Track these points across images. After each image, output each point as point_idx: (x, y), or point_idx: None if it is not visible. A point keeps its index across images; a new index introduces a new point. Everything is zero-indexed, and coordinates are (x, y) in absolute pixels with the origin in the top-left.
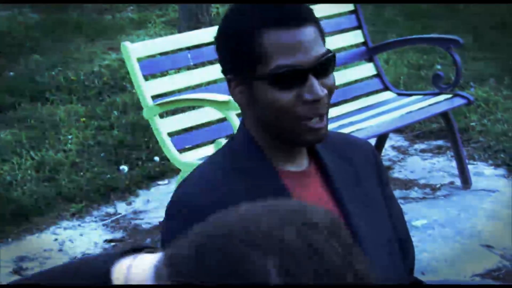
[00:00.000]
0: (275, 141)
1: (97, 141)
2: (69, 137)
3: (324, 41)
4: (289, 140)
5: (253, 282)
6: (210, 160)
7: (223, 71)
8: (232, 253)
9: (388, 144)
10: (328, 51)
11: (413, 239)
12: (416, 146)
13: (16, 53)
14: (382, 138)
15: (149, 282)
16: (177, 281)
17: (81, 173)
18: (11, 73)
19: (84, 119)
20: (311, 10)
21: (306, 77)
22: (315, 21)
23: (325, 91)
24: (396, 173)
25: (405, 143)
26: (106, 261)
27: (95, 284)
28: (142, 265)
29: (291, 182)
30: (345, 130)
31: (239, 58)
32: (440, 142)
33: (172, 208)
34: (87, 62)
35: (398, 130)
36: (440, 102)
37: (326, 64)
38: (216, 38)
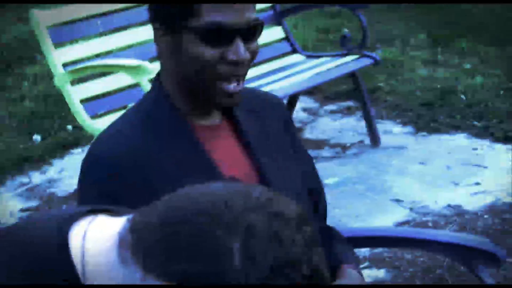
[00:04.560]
0: (190, 96)
1: (8, 112)
2: None
3: (255, 9)
4: (204, 100)
5: (217, 260)
6: (123, 116)
7: (151, 19)
8: (200, 228)
9: (298, 106)
10: (258, 19)
11: (326, 197)
12: (326, 107)
13: None
14: (292, 100)
15: (111, 251)
16: (140, 249)
17: None
18: None
19: None
20: None
21: (234, 38)
22: None
23: (248, 55)
24: (308, 134)
25: (315, 105)
26: (61, 226)
27: (49, 255)
28: (101, 230)
29: (204, 136)
30: None
31: (172, 8)
32: (349, 103)
33: (87, 166)
34: None
35: (308, 92)
36: (348, 62)
37: (254, 30)
38: None
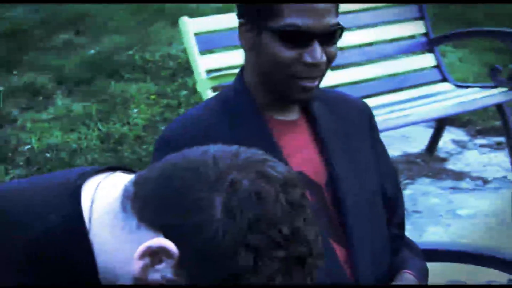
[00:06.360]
0: (268, 90)
1: (163, 118)
2: (135, 110)
3: (337, 14)
4: (280, 95)
5: (198, 212)
6: (203, 103)
7: (238, 15)
8: (186, 182)
9: (448, 137)
10: (339, 24)
11: (455, 226)
12: (476, 141)
13: (98, 33)
14: (438, 129)
15: (116, 200)
16: (137, 200)
17: (144, 146)
18: (91, 51)
19: (154, 96)
20: None
21: (312, 41)
22: None
23: (325, 58)
24: (451, 165)
25: (466, 138)
26: (80, 177)
27: (62, 197)
28: (112, 183)
29: (278, 130)
30: (395, 115)
31: (256, 7)
32: (501, 139)
33: (157, 142)
34: (166, 45)
35: (461, 125)
36: (495, 94)
37: (333, 34)
38: None
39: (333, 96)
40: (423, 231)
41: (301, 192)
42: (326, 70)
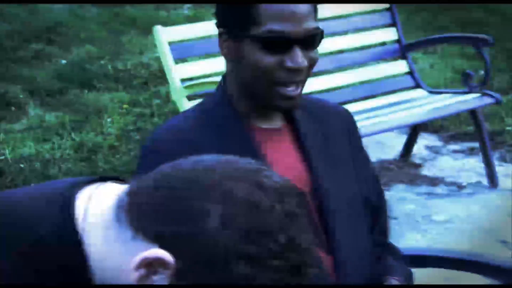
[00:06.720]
0: (250, 98)
1: (136, 127)
2: (109, 120)
3: (316, 18)
4: (263, 103)
5: (193, 221)
6: (184, 112)
7: (217, 24)
8: (181, 192)
9: (422, 143)
10: (318, 28)
11: (431, 232)
12: (449, 146)
13: (70, 43)
14: (412, 135)
15: (109, 210)
16: (132, 210)
17: (118, 156)
18: (63, 61)
19: (126, 105)
20: None
21: (292, 46)
22: None
23: (306, 63)
24: (426, 171)
25: (439, 143)
26: (72, 187)
27: (53, 208)
28: (105, 194)
29: (261, 138)
30: (369, 122)
31: (235, 16)
32: (474, 144)
33: (142, 151)
34: (138, 54)
35: (434, 131)
36: (468, 100)
37: (313, 38)
38: None
39: (313, 102)
40: (400, 237)
41: (296, 201)
42: (308, 75)
